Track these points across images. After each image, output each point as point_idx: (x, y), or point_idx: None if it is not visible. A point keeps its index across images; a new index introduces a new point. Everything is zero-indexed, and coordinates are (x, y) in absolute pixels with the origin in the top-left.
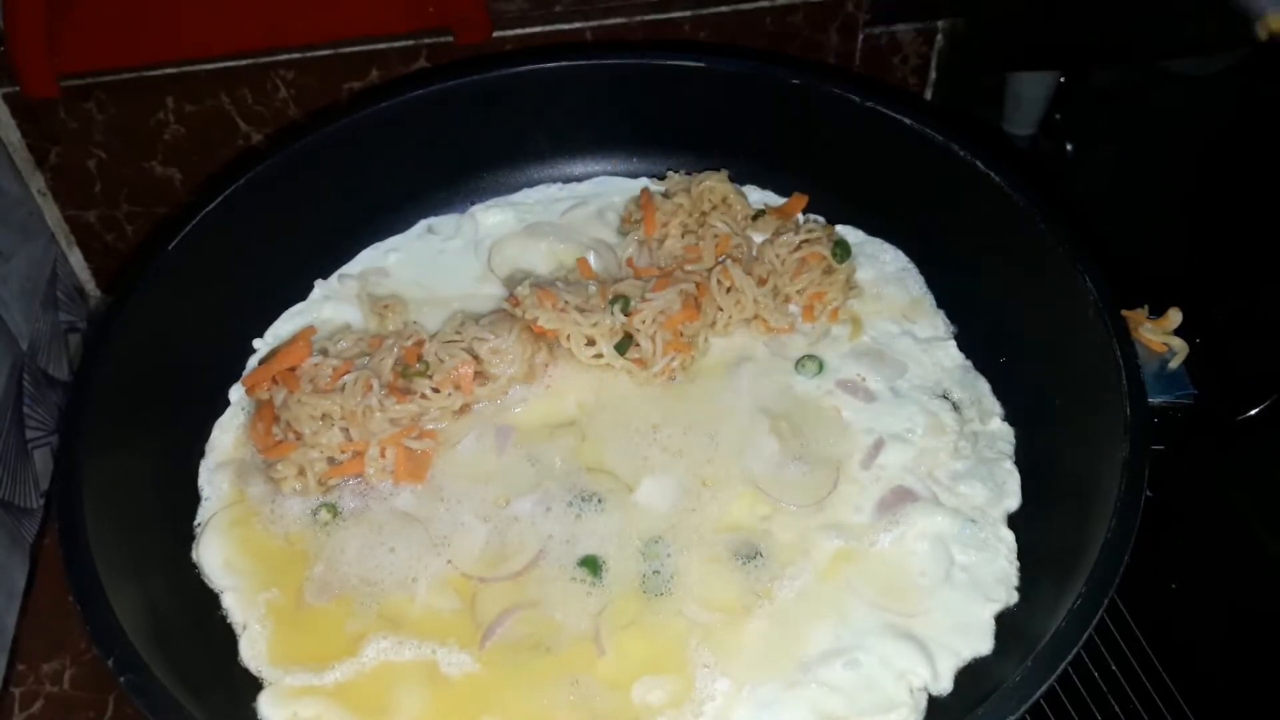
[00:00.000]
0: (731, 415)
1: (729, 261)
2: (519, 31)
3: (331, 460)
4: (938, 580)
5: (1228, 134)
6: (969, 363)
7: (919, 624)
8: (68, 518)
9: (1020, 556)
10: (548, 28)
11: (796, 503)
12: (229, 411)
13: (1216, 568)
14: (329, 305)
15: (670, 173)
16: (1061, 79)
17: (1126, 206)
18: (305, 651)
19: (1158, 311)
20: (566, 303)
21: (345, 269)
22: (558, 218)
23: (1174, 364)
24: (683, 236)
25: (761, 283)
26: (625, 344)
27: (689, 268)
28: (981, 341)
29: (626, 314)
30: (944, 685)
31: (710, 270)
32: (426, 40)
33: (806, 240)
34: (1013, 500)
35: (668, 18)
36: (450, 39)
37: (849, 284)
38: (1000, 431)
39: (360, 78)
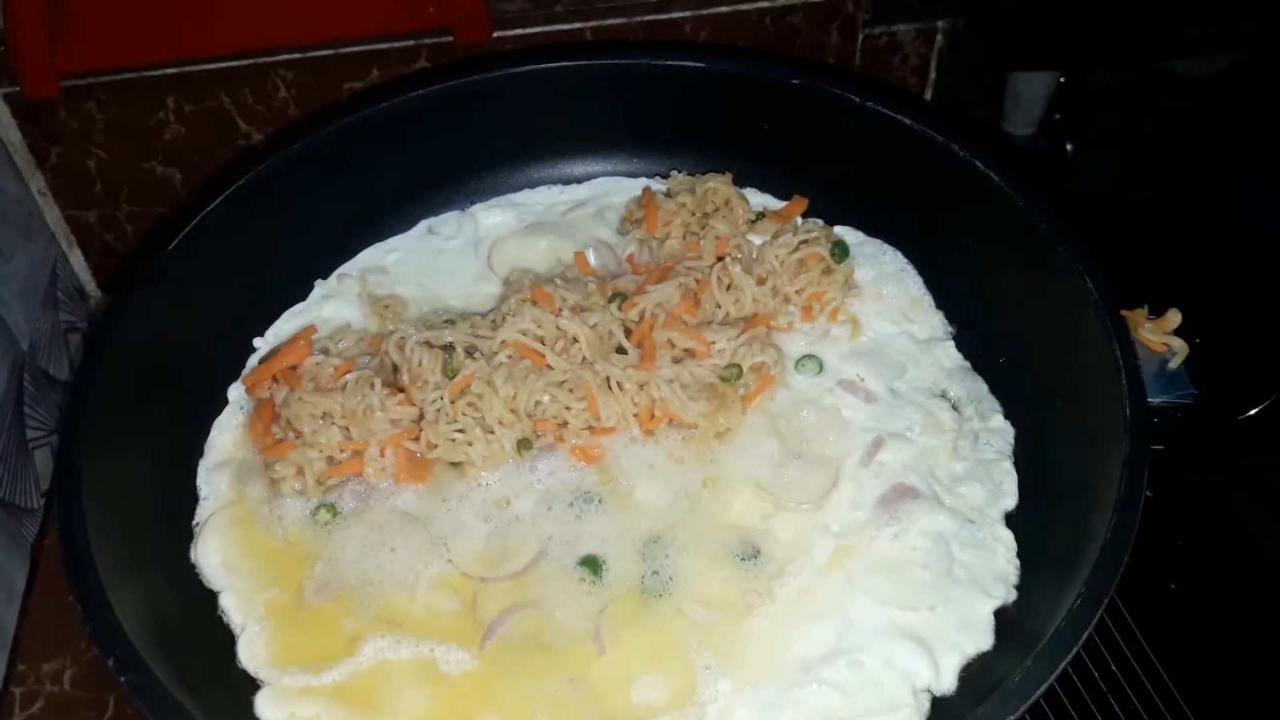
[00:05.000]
0: None
1: (729, 260)
2: (519, 31)
3: (331, 460)
4: (940, 575)
5: (1228, 134)
6: (968, 363)
7: (921, 620)
8: (68, 517)
9: (1020, 555)
10: (548, 28)
11: (797, 501)
12: (227, 411)
13: (1216, 568)
14: (329, 305)
15: (674, 172)
16: (1061, 79)
17: (1126, 206)
18: (303, 652)
19: (1158, 311)
20: (565, 300)
21: (345, 269)
22: (558, 217)
23: (1174, 364)
24: (684, 237)
25: (760, 282)
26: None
27: (688, 263)
28: (981, 341)
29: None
30: (947, 685)
31: (710, 268)
32: (426, 40)
33: (805, 241)
34: (1010, 500)
35: (668, 18)
36: (450, 39)
37: (848, 284)
38: (1000, 430)
39: (360, 78)
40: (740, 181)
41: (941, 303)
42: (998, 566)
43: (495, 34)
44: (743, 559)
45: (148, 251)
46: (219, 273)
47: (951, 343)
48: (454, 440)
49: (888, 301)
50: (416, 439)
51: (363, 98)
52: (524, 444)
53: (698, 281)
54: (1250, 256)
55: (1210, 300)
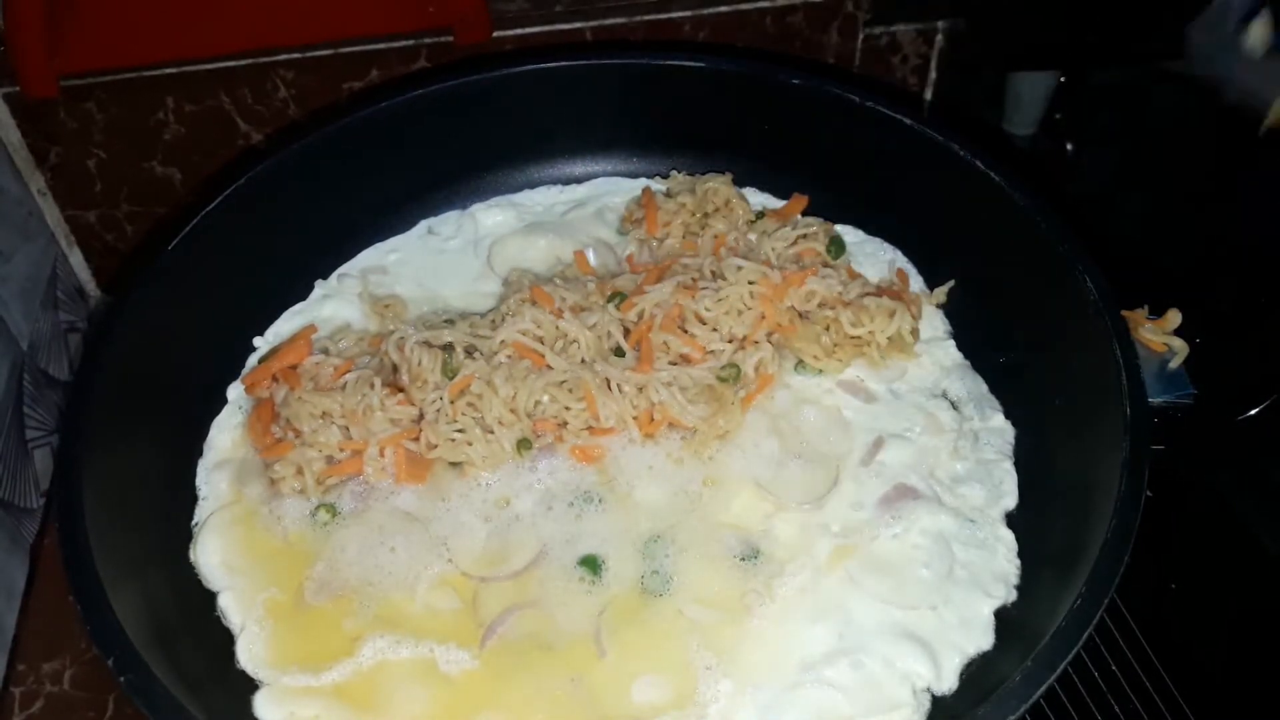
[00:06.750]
0: None
1: (724, 252)
2: (519, 31)
3: (330, 459)
4: (941, 574)
5: (1228, 134)
6: (968, 363)
7: (922, 619)
8: (67, 517)
9: (1021, 555)
10: (548, 28)
11: (797, 500)
12: (226, 410)
13: (1216, 568)
14: (329, 305)
15: (674, 172)
16: (1061, 79)
17: (1126, 206)
18: (303, 652)
19: (1158, 311)
20: (564, 300)
21: (345, 269)
22: (558, 218)
23: (1174, 364)
24: (684, 238)
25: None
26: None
27: (685, 260)
28: (981, 341)
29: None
30: (948, 684)
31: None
32: (426, 40)
33: (803, 235)
34: (1010, 500)
35: (668, 18)
36: (450, 39)
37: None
38: (1000, 430)
39: (360, 78)
40: (740, 181)
41: (941, 302)
42: (998, 566)
43: (495, 34)
44: (743, 559)
45: (148, 251)
46: (219, 273)
47: (952, 342)
48: (454, 440)
49: None
50: (416, 439)
51: (363, 98)
52: (524, 444)
53: (694, 280)
54: (1250, 256)
55: (1210, 300)
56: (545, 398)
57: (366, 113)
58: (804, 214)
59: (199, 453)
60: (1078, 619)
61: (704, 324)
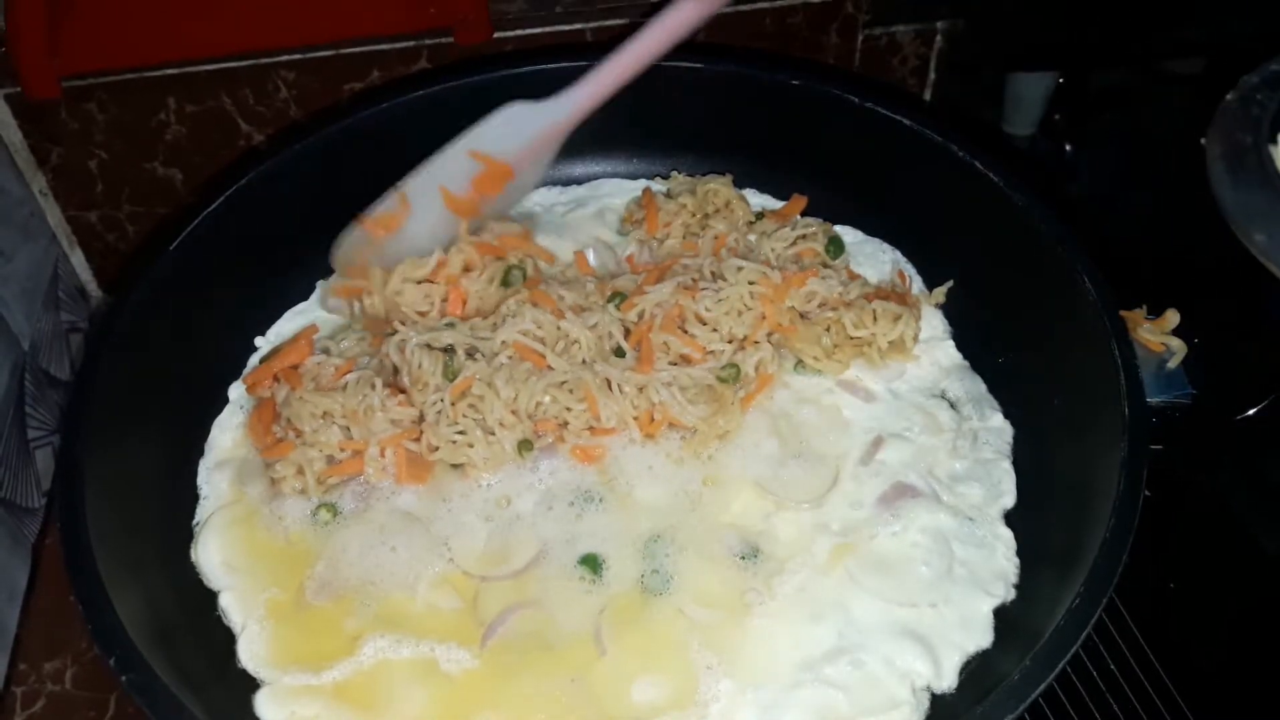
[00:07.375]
0: None
1: (724, 252)
2: (519, 32)
3: (331, 459)
4: (940, 573)
5: None
6: (967, 362)
7: (922, 617)
8: (69, 517)
9: (1020, 554)
10: (548, 28)
11: (796, 499)
12: (227, 410)
13: (1215, 568)
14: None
15: (674, 173)
16: (1061, 79)
17: (1126, 206)
18: (303, 651)
19: (1156, 311)
20: (563, 300)
21: None
22: (559, 217)
23: (1172, 364)
24: (684, 238)
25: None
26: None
27: (685, 261)
28: (980, 341)
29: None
30: (947, 683)
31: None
32: (427, 41)
33: (802, 236)
34: (1009, 499)
35: None
36: (450, 39)
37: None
38: (999, 430)
39: (361, 78)
40: (740, 181)
41: (941, 302)
42: (997, 565)
43: (495, 34)
44: (742, 558)
45: (149, 252)
46: (220, 273)
47: (951, 342)
48: (455, 442)
49: None
50: (417, 439)
51: (363, 98)
52: (525, 445)
53: (694, 280)
54: (1249, 257)
55: (1209, 300)
56: (546, 398)
57: (367, 113)
58: (804, 214)
59: (200, 452)
60: (1076, 618)
61: (704, 324)
